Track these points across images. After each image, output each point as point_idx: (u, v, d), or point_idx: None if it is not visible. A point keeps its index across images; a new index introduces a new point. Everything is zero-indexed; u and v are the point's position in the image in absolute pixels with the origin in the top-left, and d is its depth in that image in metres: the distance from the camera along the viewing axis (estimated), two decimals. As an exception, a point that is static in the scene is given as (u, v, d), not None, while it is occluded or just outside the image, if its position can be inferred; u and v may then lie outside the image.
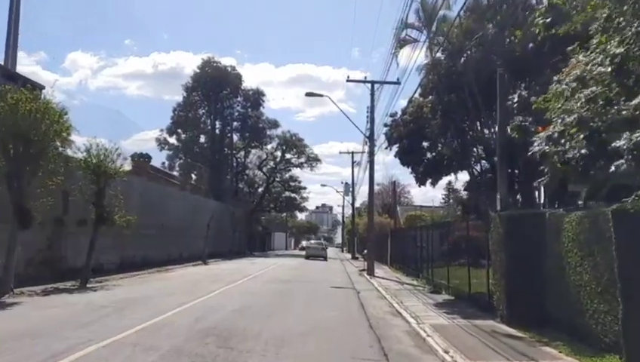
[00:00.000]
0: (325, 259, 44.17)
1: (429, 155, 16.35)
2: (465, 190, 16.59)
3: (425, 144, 15.86)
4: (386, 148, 17.69)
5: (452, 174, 16.81)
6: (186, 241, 35.01)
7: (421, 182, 16.36)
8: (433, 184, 16.96)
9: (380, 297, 15.74)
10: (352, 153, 51.08)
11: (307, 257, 45.17)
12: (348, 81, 25.54)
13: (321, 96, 25.75)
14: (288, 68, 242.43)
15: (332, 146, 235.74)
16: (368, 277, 23.71)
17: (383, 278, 22.85)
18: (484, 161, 16.36)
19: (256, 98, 62.25)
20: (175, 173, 60.01)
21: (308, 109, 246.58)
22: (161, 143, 60.59)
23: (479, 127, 14.61)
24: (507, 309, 9.93)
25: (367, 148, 28.83)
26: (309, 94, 25.59)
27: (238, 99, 62.10)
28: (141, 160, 51.22)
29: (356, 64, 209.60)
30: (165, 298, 13.37)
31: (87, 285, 17.18)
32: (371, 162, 25.37)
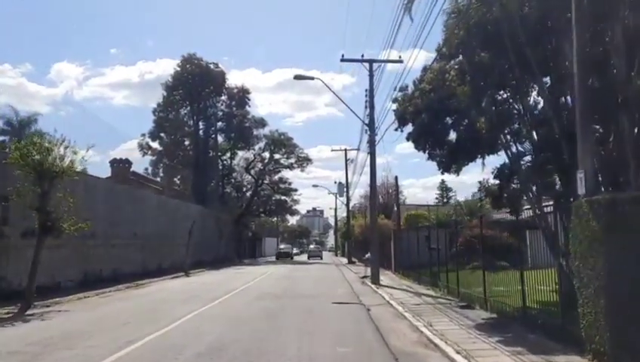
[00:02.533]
0: (321, 258, 62.50)
1: (452, 135, 12.95)
2: (495, 177, 13.14)
3: (449, 120, 12.43)
4: (396, 129, 14.28)
5: (479, 158, 13.33)
6: (166, 251, 31.36)
7: (445, 168, 12.97)
8: (457, 171, 13.54)
9: (398, 316, 12.31)
10: (345, 150, 47.87)
11: (309, 257, 63.86)
12: (342, 60, 22.15)
13: (312, 79, 22.41)
14: (275, 73, 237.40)
15: (321, 150, 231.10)
16: (374, 286, 20.29)
17: (391, 287, 19.44)
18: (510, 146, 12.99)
19: (241, 96, 58.63)
20: (158, 180, 56.40)
21: (296, 114, 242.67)
22: (144, 148, 56.68)
23: (526, 93, 11.19)
24: (611, 344, 6.54)
25: (365, 140, 25.54)
26: (297, 77, 22.20)
27: (222, 97, 58.47)
28: (121, 165, 47.83)
29: (344, 67, 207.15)
30: (111, 331, 9.84)
31: (29, 311, 13.65)
32: (372, 153, 22.01)
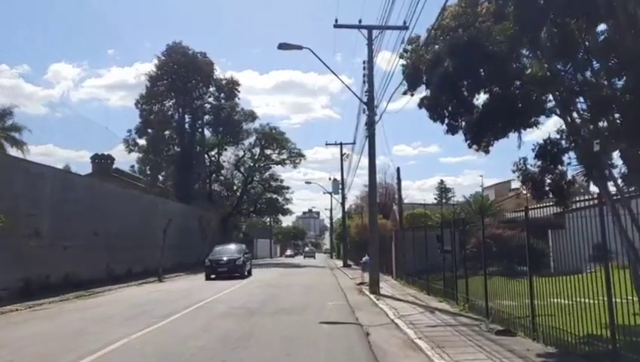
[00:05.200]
0: (314, 257, 72.93)
1: (483, 97, 9.44)
2: (537, 157, 9.62)
3: (481, 72, 8.86)
4: (405, 92, 10.72)
5: (513, 132, 9.79)
6: (138, 253, 27.66)
7: (473, 140, 9.51)
8: (487, 147, 10.02)
9: (410, 346, 8.73)
10: (341, 143, 44.41)
11: (305, 257, 73.88)
12: (336, 26, 18.66)
13: (300, 48, 18.79)
14: (273, 75, 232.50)
15: (317, 152, 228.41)
16: (373, 296, 16.72)
17: (394, 298, 15.91)
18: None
19: (230, 87, 54.92)
20: (143, 177, 52.68)
21: (293, 116, 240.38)
22: (130, 145, 52.72)
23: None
24: None
25: (362, 126, 22.09)
26: (282, 46, 18.60)
27: (210, 89, 54.75)
28: (102, 161, 44.26)
29: (340, 68, 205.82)
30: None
31: None
32: (371, 136, 18.42)
